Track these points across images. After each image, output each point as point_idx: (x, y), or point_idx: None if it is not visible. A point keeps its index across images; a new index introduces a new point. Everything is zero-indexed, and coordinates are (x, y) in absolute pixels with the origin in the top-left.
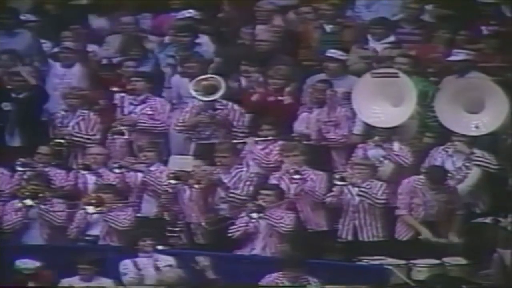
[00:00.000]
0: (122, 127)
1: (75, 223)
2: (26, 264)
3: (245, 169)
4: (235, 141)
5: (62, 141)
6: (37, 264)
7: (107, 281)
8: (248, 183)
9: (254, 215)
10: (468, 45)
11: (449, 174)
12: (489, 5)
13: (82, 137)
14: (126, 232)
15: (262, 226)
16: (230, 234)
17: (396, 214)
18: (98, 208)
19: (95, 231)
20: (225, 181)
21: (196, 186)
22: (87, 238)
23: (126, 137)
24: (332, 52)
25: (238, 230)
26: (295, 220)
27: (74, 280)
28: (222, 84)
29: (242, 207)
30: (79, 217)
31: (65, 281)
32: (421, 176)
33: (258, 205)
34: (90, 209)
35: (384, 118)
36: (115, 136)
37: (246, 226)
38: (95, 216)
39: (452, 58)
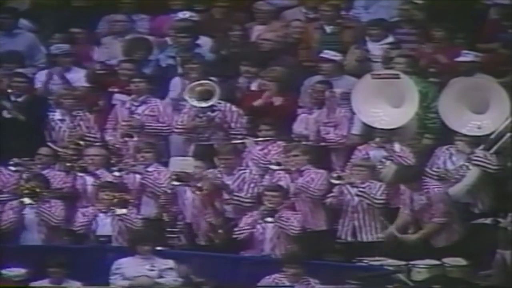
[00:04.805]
0: (131, 129)
1: (82, 222)
2: (14, 272)
3: (248, 170)
4: (234, 142)
5: (81, 142)
6: (23, 270)
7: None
8: (252, 185)
9: (270, 219)
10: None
11: (424, 174)
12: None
13: (92, 137)
14: (133, 232)
15: (269, 228)
16: (235, 236)
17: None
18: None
19: (105, 231)
20: (229, 182)
21: (198, 192)
22: (100, 238)
23: (135, 139)
24: (326, 53)
25: (244, 232)
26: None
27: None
28: (216, 89)
29: (247, 209)
30: (85, 216)
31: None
32: None
33: (270, 209)
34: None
35: (386, 120)
36: (126, 139)
37: (253, 228)
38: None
39: (460, 58)
